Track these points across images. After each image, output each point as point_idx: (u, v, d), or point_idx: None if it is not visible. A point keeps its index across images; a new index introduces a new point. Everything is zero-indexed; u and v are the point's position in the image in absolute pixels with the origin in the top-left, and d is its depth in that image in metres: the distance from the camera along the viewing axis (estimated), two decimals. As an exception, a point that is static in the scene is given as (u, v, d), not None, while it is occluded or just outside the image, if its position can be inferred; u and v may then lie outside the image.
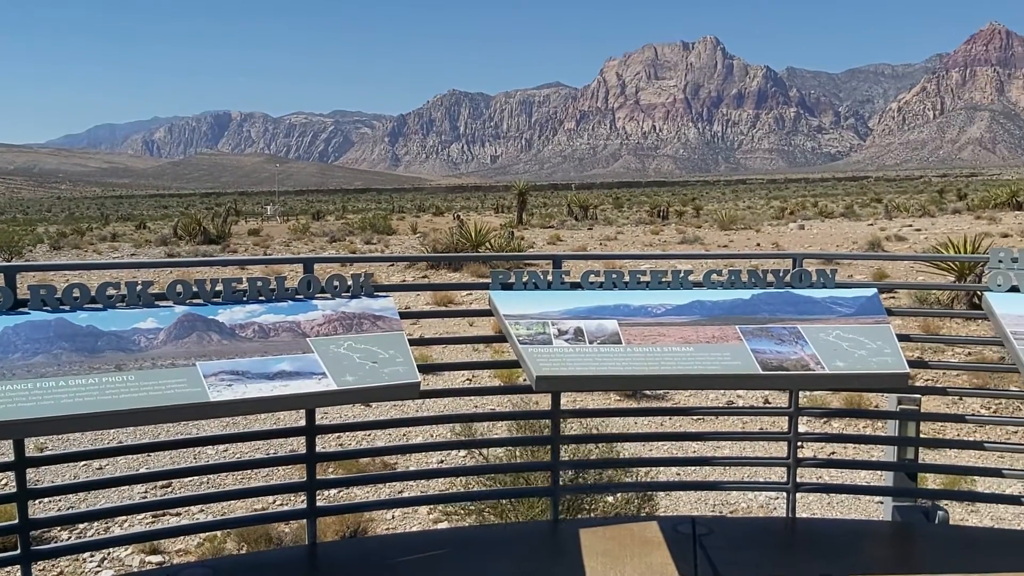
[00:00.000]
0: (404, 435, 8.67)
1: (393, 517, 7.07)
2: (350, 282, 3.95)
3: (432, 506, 6.83)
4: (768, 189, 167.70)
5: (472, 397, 10.23)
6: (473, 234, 25.91)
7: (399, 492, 7.37)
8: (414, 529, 6.83)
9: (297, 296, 3.85)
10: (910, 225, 40.07)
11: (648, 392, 10.32)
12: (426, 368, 5.67)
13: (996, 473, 4.68)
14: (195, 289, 3.70)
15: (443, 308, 15.94)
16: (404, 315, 4.10)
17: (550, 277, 4.29)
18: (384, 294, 4.00)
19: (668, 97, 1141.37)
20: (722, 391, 10.49)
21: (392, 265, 23.57)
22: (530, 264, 22.04)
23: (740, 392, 10.50)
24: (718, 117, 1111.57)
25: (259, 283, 3.78)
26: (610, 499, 6.14)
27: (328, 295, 3.91)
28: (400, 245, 35.95)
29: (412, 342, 4.62)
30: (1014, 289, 4.28)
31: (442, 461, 8.03)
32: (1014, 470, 4.62)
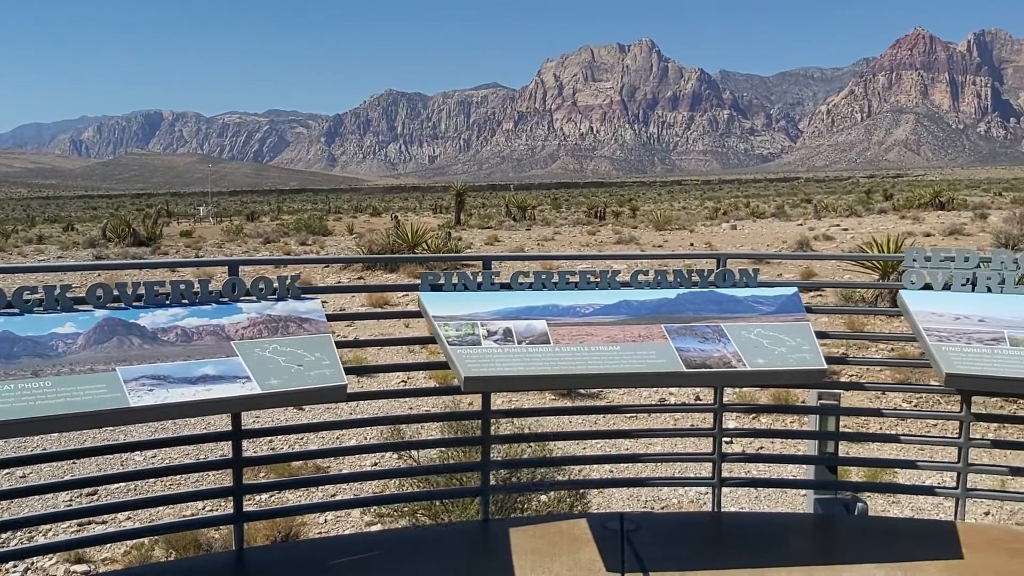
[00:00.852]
0: (337, 438, 8.61)
1: (326, 521, 7.02)
2: (276, 284, 3.92)
3: (366, 509, 6.80)
4: (703, 190, 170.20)
5: (408, 399, 10.22)
6: (409, 235, 25.79)
7: (332, 495, 7.31)
8: (347, 532, 6.79)
9: (222, 299, 3.81)
10: (838, 225, 41.08)
11: (583, 391, 10.41)
12: (357, 370, 5.64)
13: (911, 465, 4.85)
14: (116, 293, 3.64)
15: (378, 310, 15.86)
16: (332, 317, 4.08)
17: (480, 278, 4.31)
18: (311, 296, 3.98)
19: (605, 99, 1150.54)
20: (656, 388, 10.62)
21: (327, 267, 23.35)
22: (468, 265, 22.05)
23: (673, 389, 10.63)
24: (654, 119, 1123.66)
25: (182, 286, 3.73)
26: (544, 498, 6.18)
27: (253, 298, 3.87)
28: (336, 246, 35.62)
29: (344, 344, 4.61)
30: (927, 287, 4.44)
31: (376, 463, 7.99)
32: (929, 461, 4.80)
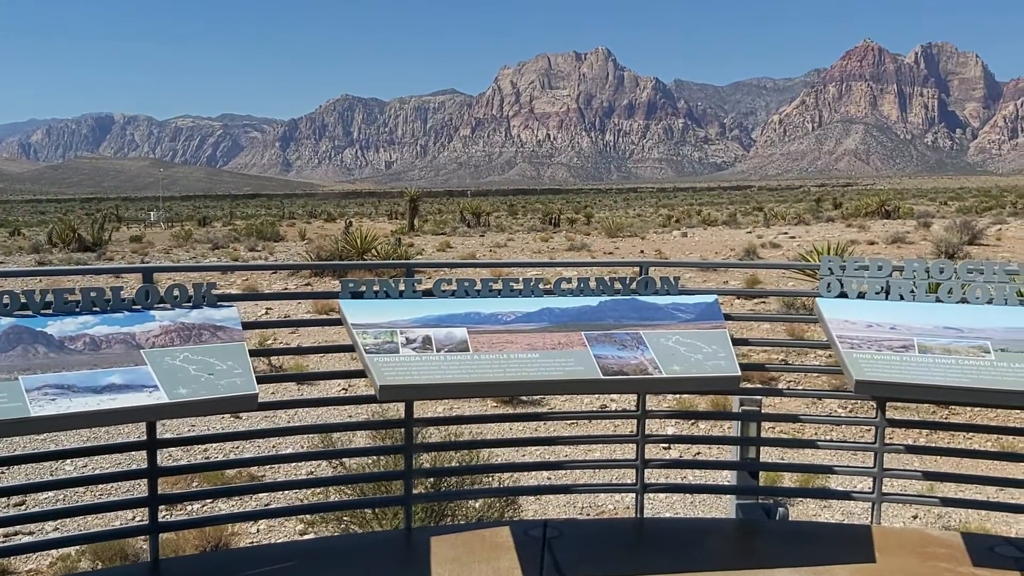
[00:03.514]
0: (274, 447, 8.53)
1: (259, 530, 6.95)
2: (191, 292, 3.87)
3: (299, 518, 6.75)
4: (658, 198, 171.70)
5: (348, 406, 10.15)
6: (359, 241, 25.63)
7: (267, 504, 7.25)
8: (280, 540, 6.73)
9: (135, 307, 3.75)
10: (786, 233, 41.69)
11: (524, 398, 10.43)
12: (275, 378, 5.61)
13: (829, 470, 4.94)
14: (23, 300, 3.57)
15: (323, 316, 15.73)
16: (247, 325, 4.05)
17: (402, 286, 4.30)
18: (227, 304, 3.93)
19: (562, 106, 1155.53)
20: (597, 395, 10.69)
21: (275, 273, 23.11)
22: (420, 271, 21.93)
23: (615, 396, 10.70)
24: (610, 127, 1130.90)
25: (92, 293, 3.67)
26: (476, 505, 6.18)
27: (168, 305, 3.82)
28: (286, 252, 35.29)
29: (277, 352, 4.59)
30: (843, 295, 4.53)
31: (312, 472, 7.93)
32: (846, 467, 4.89)
